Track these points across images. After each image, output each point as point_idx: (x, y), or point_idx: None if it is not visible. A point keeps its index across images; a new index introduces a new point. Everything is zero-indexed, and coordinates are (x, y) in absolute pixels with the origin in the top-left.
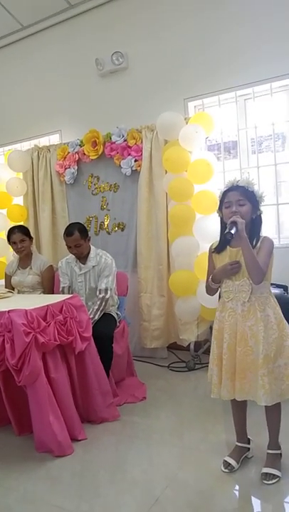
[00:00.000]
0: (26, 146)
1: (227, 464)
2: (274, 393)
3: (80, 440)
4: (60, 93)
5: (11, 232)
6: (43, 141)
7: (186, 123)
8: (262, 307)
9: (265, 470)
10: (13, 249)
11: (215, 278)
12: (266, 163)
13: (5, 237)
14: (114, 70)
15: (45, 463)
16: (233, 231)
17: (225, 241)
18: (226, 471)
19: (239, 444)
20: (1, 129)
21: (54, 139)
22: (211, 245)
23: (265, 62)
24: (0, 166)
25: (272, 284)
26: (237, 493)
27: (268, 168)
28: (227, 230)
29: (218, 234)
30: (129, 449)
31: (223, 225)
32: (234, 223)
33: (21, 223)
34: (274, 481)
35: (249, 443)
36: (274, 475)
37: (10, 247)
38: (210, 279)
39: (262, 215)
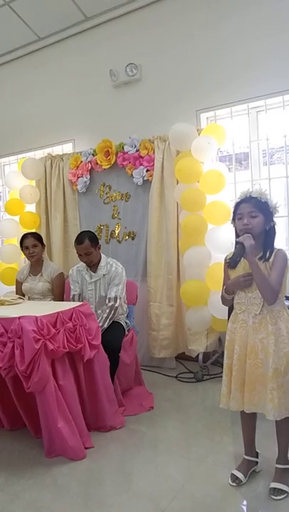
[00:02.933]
0: (40, 154)
1: (235, 478)
2: (283, 407)
3: (86, 448)
4: (75, 103)
5: (24, 237)
6: (57, 150)
7: (199, 134)
8: (273, 320)
9: (274, 485)
10: (25, 255)
11: (228, 289)
12: (278, 174)
13: (17, 244)
14: (127, 81)
15: (52, 470)
16: (240, 252)
17: (233, 262)
18: (234, 484)
19: (247, 458)
20: (15, 137)
21: (67, 148)
22: (226, 256)
23: (278, 75)
24: (13, 174)
25: (286, 297)
26: (244, 508)
27: (280, 180)
28: (235, 252)
29: (231, 244)
30: (135, 459)
31: (237, 237)
32: (241, 245)
33: (33, 230)
34: (282, 496)
35: (257, 456)
36: (282, 490)
37: (22, 253)
38: (223, 290)
39: (275, 227)
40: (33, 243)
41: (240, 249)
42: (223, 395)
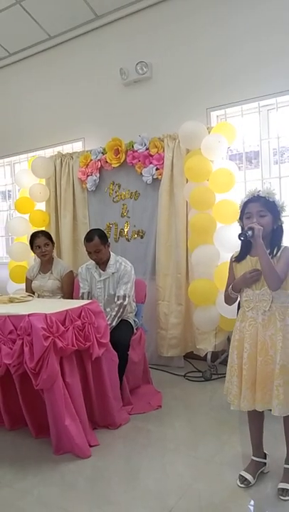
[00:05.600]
0: (50, 152)
1: (243, 479)
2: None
3: (92, 446)
4: (85, 101)
5: (35, 236)
6: (66, 149)
7: (209, 132)
8: (282, 316)
9: (282, 485)
10: (36, 254)
11: (235, 287)
12: (288, 173)
13: (26, 242)
14: (138, 79)
15: (60, 467)
16: (248, 233)
17: (243, 245)
18: (243, 486)
19: (255, 459)
20: (25, 136)
21: (77, 147)
22: (232, 255)
23: (288, 73)
24: (23, 172)
25: None
26: (252, 508)
27: None
28: (244, 231)
29: (239, 243)
30: (143, 457)
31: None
32: (251, 229)
33: (43, 228)
34: None
35: (265, 457)
36: None
37: (31, 251)
38: (230, 288)
39: (283, 226)
40: (44, 242)
41: (248, 230)
42: (235, 396)
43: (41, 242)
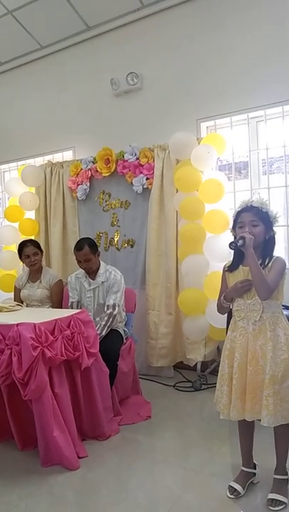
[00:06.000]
0: (40, 161)
1: (233, 490)
2: (279, 415)
3: (80, 457)
4: (76, 111)
5: (24, 245)
6: (57, 157)
7: (199, 143)
8: (272, 326)
9: (272, 496)
10: (25, 263)
11: (227, 296)
12: (277, 184)
13: (16, 250)
14: (128, 89)
15: (47, 479)
16: (239, 242)
17: (236, 255)
18: (232, 496)
19: (245, 469)
20: (15, 144)
21: (67, 156)
22: (225, 264)
23: (278, 86)
24: (13, 181)
25: (283, 306)
26: None
27: (279, 190)
28: (236, 240)
29: (230, 253)
30: (132, 468)
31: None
32: (242, 238)
33: (32, 237)
34: (280, 507)
35: (255, 468)
36: (280, 501)
37: (20, 260)
38: (222, 297)
39: (275, 236)
40: (33, 251)
41: (240, 239)
42: (224, 406)
43: (30, 251)
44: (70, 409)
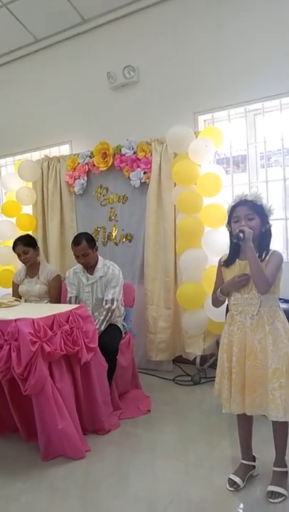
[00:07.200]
0: (36, 156)
1: (232, 482)
2: (288, 408)
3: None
4: (72, 105)
5: (14, 244)
6: (54, 152)
7: (196, 137)
8: (270, 320)
9: (271, 488)
10: (20, 260)
11: (224, 290)
12: (275, 177)
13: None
14: (125, 83)
15: (48, 473)
16: (240, 235)
17: (232, 249)
18: (232, 489)
19: (244, 462)
20: (12, 139)
21: (64, 150)
22: (221, 258)
23: (276, 79)
24: (10, 176)
25: (280, 299)
26: (242, 511)
27: (277, 183)
28: (235, 234)
29: (228, 247)
30: (132, 462)
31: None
32: (242, 231)
33: (29, 232)
34: (280, 499)
35: (254, 460)
36: (280, 493)
37: None
38: (218, 291)
39: (271, 229)
40: (22, 250)
41: (239, 233)
42: (226, 400)
43: (19, 250)
44: (73, 403)
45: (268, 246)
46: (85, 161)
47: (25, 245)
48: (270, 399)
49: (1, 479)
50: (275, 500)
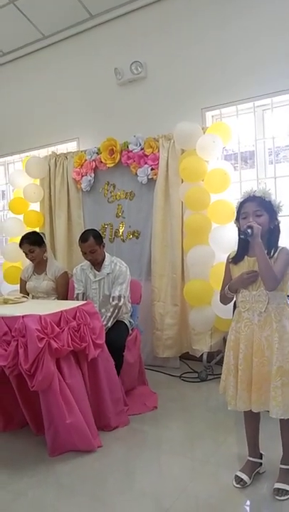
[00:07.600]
0: (44, 152)
1: (239, 479)
2: (288, 406)
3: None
4: (79, 101)
5: (20, 242)
6: (61, 149)
7: (204, 133)
8: (278, 317)
9: (278, 485)
10: (27, 258)
11: (232, 287)
12: (283, 173)
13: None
14: (132, 79)
15: (55, 469)
16: (249, 231)
17: (241, 245)
18: (238, 486)
19: (251, 459)
20: (19, 136)
21: (71, 147)
22: (229, 255)
23: (284, 73)
24: (17, 172)
25: (288, 297)
26: (248, 508)
27: (285, 179)
28: (243, 230)
29: (235, 243)
30: (139, 458)
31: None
32: (250, 227)
33: (37, 229)
34: (286, 497)
35: (261, 458)
36: (287, 491)
37: None
38: (226, 288)
39: (280, 225)
40: (28, 249)
41: (247, 229)
42: (232, 397)
43: (25, 249)
44: (85, 398)
45: (277, 243)
46: (92, 158)
47: (31, 244)
48: (272, 396)
49: (8, 474)
50: (282, 498)
